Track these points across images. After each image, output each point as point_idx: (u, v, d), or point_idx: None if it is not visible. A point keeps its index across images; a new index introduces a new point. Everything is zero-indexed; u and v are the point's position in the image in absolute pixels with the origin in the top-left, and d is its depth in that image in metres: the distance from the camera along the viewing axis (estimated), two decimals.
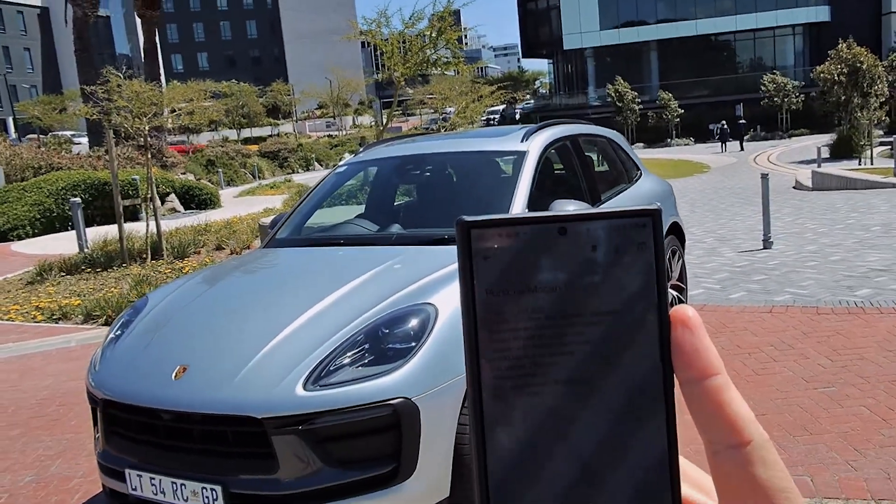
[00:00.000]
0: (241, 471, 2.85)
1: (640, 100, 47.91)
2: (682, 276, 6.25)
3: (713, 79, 53.55)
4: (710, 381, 0.36)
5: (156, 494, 2.92)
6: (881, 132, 33.53)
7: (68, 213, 15.62)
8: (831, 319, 6.05)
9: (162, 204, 18.12)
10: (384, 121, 18.41)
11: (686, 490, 0.39)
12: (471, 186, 4.83)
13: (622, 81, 47.33)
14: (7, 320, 8.51)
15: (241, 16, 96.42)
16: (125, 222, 11.52)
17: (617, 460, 0.36)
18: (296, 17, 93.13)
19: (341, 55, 75.42)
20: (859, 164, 25.25)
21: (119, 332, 3.60)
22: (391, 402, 2.77)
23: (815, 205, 15.06)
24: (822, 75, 29.85)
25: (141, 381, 3.15)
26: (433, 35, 15.56)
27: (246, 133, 61.87)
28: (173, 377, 3.00)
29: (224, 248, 12.07)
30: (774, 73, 46.00)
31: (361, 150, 5.76)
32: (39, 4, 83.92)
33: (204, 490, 2.81)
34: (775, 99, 44.57)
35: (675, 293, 5.98)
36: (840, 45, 29.65)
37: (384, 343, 2.99)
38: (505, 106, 60.46)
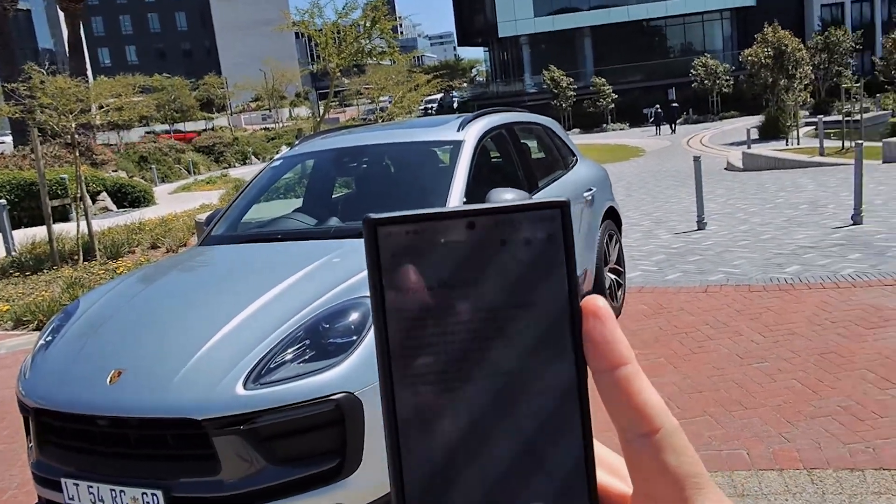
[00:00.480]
0: (182, 474, 2.80)
1: (575, 86, 48.48)
2: (620, 260, 6.35)
3: (646, 64, 54.57)
4: (621, 370, 0.37)
5: (94, 503, 2.85)
6: (806, 113, 34.67)
7: None
8: (763, 297, 6.24)
9: (93, 203, 17.61)
10: (321, 112, 18.23)
11: (603, 476, 0.40)
12: (408, 177, 4.82)
13: (556, 69, 47.78)
14: None
15: (169, 7, 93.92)
16: (55, 223, 11.16)
17: (533, 451, 0.36)
18: (227, 8, 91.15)
19: (275, 47, 74.23)
20: (787, 145, 26.09)
21: (50, 337, 3.49)
22: (334, 397, 2.75)
23: (746, 185, 15.49)
24: (749, 58, 30.73)
25: (74, 388, 3.05)
26: (367, 25, 15.44)
27: (179, 128, 60.46)
28: (108, 382, 2.92)
29: (160, 247, 11.79)
30: (705, 57, 47.08)
31: (298, 142, 5.68)
32: None
33: (144, 496, 2.75)
34: (706, 82, 45.66)
35: (613, 277, 6.08)
36: (766, 29, 30.53)
37: (325, 338, 2.96)
38: (443, 94, 60.47)
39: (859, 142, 9.83)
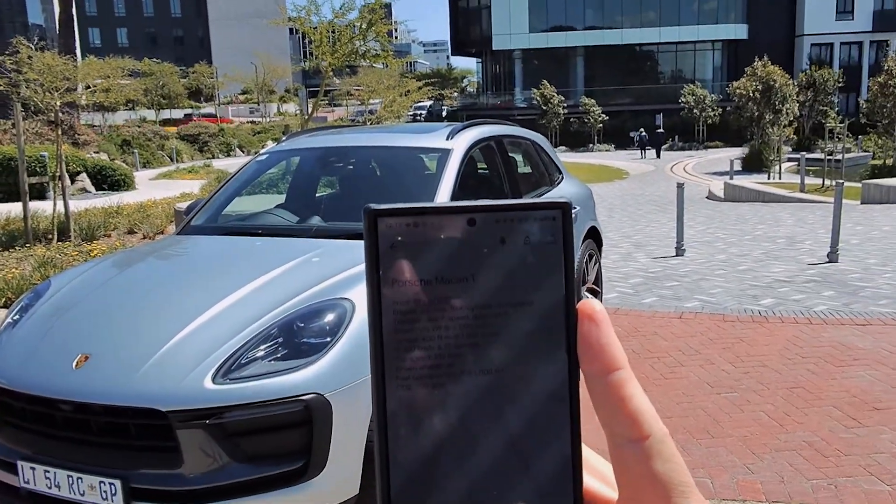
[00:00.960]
0: (142, 465, 2.75)
1: (565, 104, 48.77)
2: (598, 280, 6.38)
3: (636, 87, 55.07)
4: (614, 375, 0.37)
5: (50, 488, 2.79)
6: (789, 149, 35.14)
7: None
8: (736, 327, 6.28)
9: (72, 183, 17.39)
10: (309, 110, 18.16)
11: (589, 480, 0.40)
12: (394, 182, 4.80)
13: (548, 85, 48.05)
14: None
15: None
16: (31, 200, 10.99)
17: (521, 452, 0.36)
18: None
19: (269, 40, 73.93)
20: (768, 178, 26.41)
21: (17, 316, 3.43)
22: (303, 397, 2.72)
23: (727, 215, 15.64)
24: (738, 90, 31.10)
25: (38, 369, 3.00)
26: (363, 26, 15.43)
27: (165, 114, 59.99)
28: (74, 366, 2.87)
29: (136, 233, 11.65)
30: (695, 85, 47.58)
31: (285, 138, 5.64)
32: None
33: (102, 484, 2.70)
34: (694, 111, 46.12)
35: (590, 296, 6.08)
36: (756, 63, 30.93)
37: (299, 337, 2.93)
38: (432, 102, 60.55)
39: (840, 181, 9.97)
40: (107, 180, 20.42)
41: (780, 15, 54.27)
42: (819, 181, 22.30)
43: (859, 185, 18.21)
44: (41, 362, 3.03)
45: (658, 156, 41.33)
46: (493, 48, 57.04)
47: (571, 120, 49.82)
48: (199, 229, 4.47)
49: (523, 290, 0.36)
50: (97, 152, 25.38)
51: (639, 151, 43.24)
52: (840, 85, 39.89)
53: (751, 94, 30.21)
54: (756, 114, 30.41)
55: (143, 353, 2.87)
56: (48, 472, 2.79)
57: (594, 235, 6.28)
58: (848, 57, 54.73)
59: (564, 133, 49.52)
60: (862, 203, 16.89)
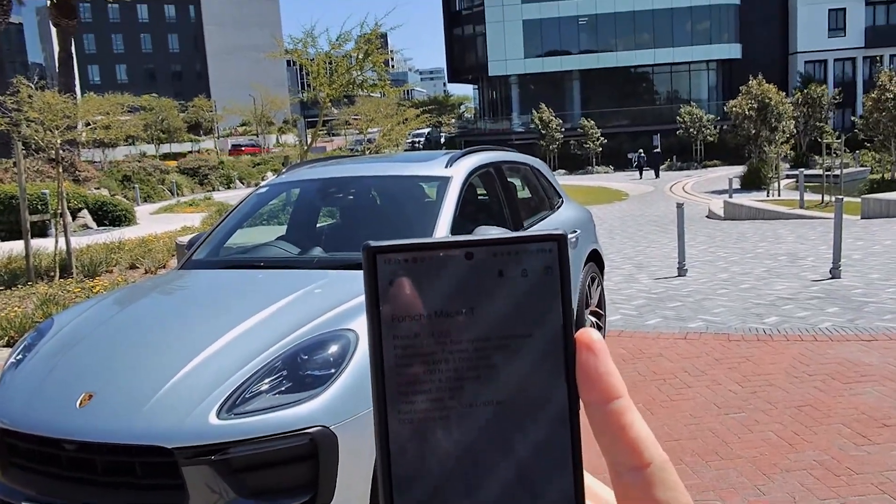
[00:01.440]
0: (148, 502, 2.73)
1: (563, 127, 49.00)
2: (601, 303, 6.36)
3: (633, 109, 55.36)
4: (613, 404, 0.38)
5: None
6: (787, 166, 35.23)
7: None
8: (742, 346, 6.26)
9: (73, 220, 17.44)
10: (308, 140, 18.25)
11: None
12: (394, 211, 4.81)
13: (546, 109, 48.31)
14: None
15: (162, 28, 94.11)
16: (33, 238, 11.02)
17: (523, 480, 0.36)
18: (219, 32, 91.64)
19: (266, 73, 74.55)
20: (767, 196, 26.44)
21: (21, 355, 3.42)
22: (308, 430, 2.71)
23: (728, 234, 15.64)
24: (734, 110, 31.25)
25: (43, 409, 2.98)
26: (360, 57, 15.53)
27: (165, 148, 60.29)
28: (78, 405, 2.86)
29: (138, 267, 11.66)
30: (691, 105, 47.83)
31: (285, 170, 5.67)
32: None
33: None
34: (691, 130, 46.31)
35: (594, 319, 6.08)
36: (750, 82, 31.12)
37: (303, 370, 2.92)
38: (430, 129, 60.86)
39: (840, 196, 9.98)
40: (108, 216, 20.48)
41: (773, 33, 54.74)
42: (818, 197, 22.33)
43: (858, 200, 18.21)
44: (45, 402, 3.02)
45: (657, 176, 41.45)
46: (490, 74, 57.43)
47: (570, 143, 50.02)
48: (201, 263, 4.48)
49: (522, 321, 0.37)
50: (98, 188, 25.48)
51: (637, 172, 43.37)
52: (837, 102, 40.11)
53: (747, 113, 30.36)
54: (753, 132, 30.54)
55: (146, 391, 2.86)
56: None
57: (596, 258, 6.27)
58: (842, 73, 55.08)
59: (563, 156, 49.70)
60: (862, 218, 16.89)
